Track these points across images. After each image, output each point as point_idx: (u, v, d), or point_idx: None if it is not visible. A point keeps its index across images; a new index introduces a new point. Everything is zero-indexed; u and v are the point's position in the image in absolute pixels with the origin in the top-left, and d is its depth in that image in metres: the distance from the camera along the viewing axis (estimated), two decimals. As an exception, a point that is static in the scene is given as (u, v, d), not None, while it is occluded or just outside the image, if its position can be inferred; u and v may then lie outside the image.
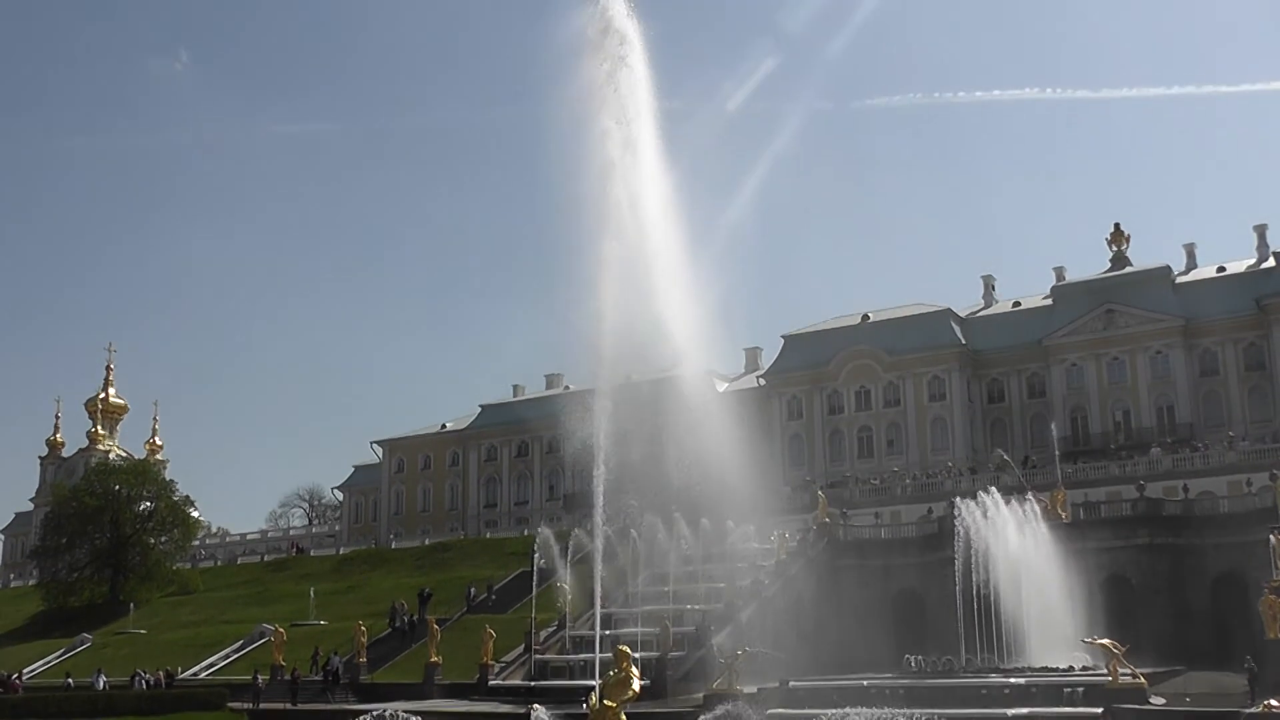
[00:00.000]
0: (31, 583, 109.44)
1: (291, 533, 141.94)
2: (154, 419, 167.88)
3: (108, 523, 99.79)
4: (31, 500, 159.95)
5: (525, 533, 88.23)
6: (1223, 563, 55.23)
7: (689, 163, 58.97)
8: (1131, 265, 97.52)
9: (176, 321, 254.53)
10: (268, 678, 58.16)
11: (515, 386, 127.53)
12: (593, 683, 38.44)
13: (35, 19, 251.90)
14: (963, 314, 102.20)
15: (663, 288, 57.21)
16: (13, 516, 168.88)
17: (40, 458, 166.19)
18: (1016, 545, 52.41)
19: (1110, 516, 60.17)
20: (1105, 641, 38.40)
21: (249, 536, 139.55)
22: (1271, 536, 47.72)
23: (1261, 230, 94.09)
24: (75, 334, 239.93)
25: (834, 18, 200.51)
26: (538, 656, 57.37)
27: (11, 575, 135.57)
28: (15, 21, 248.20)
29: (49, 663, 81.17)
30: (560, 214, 56.84)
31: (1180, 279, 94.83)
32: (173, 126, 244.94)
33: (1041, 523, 54.93)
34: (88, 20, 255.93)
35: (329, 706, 54.58)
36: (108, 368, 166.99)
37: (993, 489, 59.54)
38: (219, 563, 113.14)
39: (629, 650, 25.19)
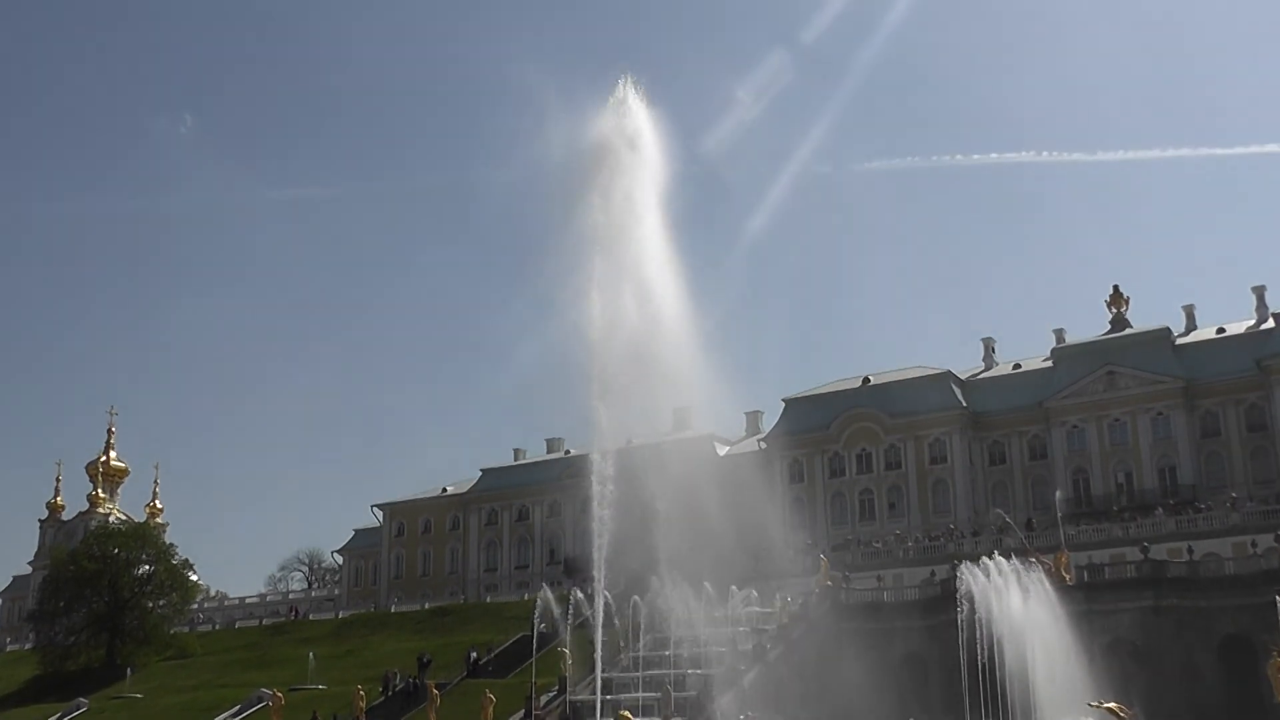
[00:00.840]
0: (28, 646, 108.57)
1: (291, 596, 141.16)
2: (154, 482, 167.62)
3: (106, 586, 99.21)
4: (30, 563, 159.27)
5: (525, 597, 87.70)
6: (1229, 625, 54.87)
7: (688, 227, 59.33)
8: (1131, 327, 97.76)
9: (178, 384, 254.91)
10: (266, 743, 57.60)
11: (516, 450, 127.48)
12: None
13: (46, 75, 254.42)
14: (963, 376, 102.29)
15: (662, 352, 57.21)
16: (10, 579, 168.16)
17: (40, 520, 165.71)
18: (1020, 608, 52.05)
19: (1115, 579, 59.86)
20: (1111, 705, 38.07)
21: (248, 600, 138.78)
22: (1278, 598, 47.43)
23: (1260, 291, 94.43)
24: (77, 397, 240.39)
25: (831, 80, 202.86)
26: (538, 722, 56.83)
27: (8, 639, 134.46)
28: (22, 77, 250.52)
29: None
30: (558, 279, 56.92)
31: (1180, 340, 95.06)
32: (175, 189, 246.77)
33: (1045, 585, 54.61)
34: (96, 79, 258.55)
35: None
36: (109, 431, 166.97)
37: (995, 552, 59.29)
38: (217, 626, 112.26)
39: (630, 715, 25.03)
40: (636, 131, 55.51)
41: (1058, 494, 79.79)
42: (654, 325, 56.26)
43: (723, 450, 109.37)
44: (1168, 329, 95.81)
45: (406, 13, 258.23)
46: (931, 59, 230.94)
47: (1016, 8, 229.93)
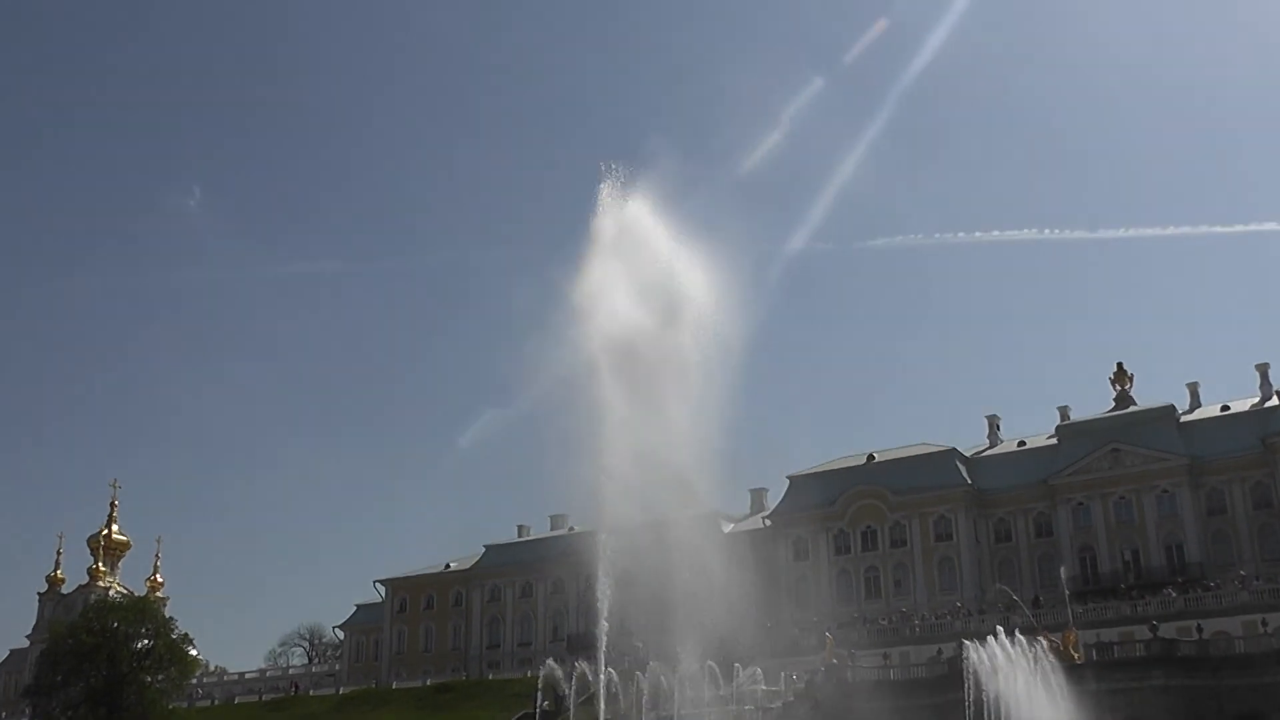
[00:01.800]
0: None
1: (291, 672, 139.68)
2: (156, 555, 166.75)
3: (104, 660, 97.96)
4: (28, 637, 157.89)
5: (529, 674, 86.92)
6: (1240, 704, 54.42)
7: (692, 306, 59.51)
8: (1135, 404, 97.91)
9: (181, 457, 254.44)
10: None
11: (520, 527, 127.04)
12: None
13: (53, 147, 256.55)
14: (968, 453, 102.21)
15: (666, 430, 57.29)
16: (8, 653, 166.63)
17: (39, 594, 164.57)
18: (1028, 687, 51.66)
19: (1124, 657, 59.43)
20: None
21: (248, 675, 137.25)
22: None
23: (1264, 369, 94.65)
24: (79, 469, 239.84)
25: (833, 158, 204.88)
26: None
27: (5, 713, 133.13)
28: (29, 148, 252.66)
29: (40, 806, 79.30)
30: (562, 356, 57.14)
31: (1185, 418, 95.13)
32: (182, 263, 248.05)
33: (1053, 664, 54.19)
34: (104, 152, 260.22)
35: None
36: (111, 504, 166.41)
37: (1002, 629, 58.87)
38: (216, 702, 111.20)
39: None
40: (632, 225, 56.00)
41: (1064, 571, 79.31)
42: (659, 404, 56.40)
43: (728, 527, 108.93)
44: (1172, 406, 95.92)
45: (419, 89, 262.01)
46: (938, 135, 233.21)
47: (1021, 84, 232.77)
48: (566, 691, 60.52)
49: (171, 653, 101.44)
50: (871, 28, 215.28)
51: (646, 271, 57.10)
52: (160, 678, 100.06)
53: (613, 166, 57.31)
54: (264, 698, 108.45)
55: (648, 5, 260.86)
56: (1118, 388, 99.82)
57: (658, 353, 56.62)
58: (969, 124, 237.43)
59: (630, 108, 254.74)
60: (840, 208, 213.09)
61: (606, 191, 56.66)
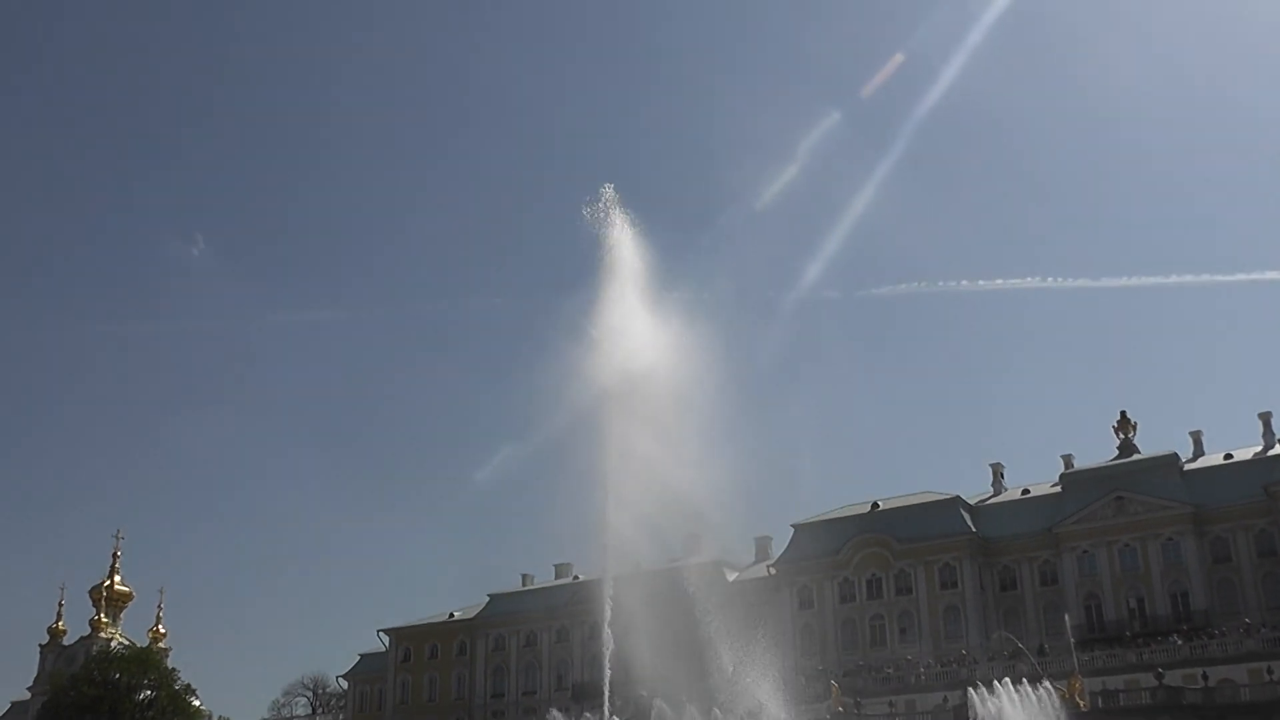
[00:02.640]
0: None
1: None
2: (159, 606, 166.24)
3: (106, 712, 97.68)
4: (29, 689, 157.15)
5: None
6: (1246, 753, 54.27)
7: (695, 352, 59.62)
8: (1139, 453, 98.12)
9: (184, 507, 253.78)
10: None
11: (524, 576, 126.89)
12: None
13: (55, 195, 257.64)
14: (972, 501, 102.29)
15: (671, 478, 57.33)
16: (9, 705, 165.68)
17: (40, 645, 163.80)
18: (1035, 734, 51.64)
19: (1130, 705, 59.53)
20: None
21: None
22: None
23: (1267, 418, 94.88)
24: (81, 520, 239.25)
25: (847, 193, 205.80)
26: None
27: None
28: (30, 195, 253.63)
29: None
30: (566, 404, 57.10)
31: (1188, 466, 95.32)
32: (186, 313, 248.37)
33: (1060, 711, 54.16)
34: (107, 203, 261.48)
35: None
36: (114, 555, 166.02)
37: (1006, 678, 58.84)
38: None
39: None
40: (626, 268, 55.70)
41: (1069, 620, 79.19)
42: (663, 452, 56.43)
43: (732, 576, 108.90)
44: (1176, 455, 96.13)
45: (424, 126, 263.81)
46: (951, 170, 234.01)
47: (1033, 119, 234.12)
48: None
49: (174, 704, 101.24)
50: (889, 62, 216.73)
51: (652, 323, 57.01)
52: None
53: (621, 198, 56.90)
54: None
55: (663, 39, 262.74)
56: (1121, 436, 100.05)
57: (666, 398, 56.63)
58: (981, 160, 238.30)
59: (646, 141, 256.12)
60: (851, 247, 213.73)
61: (617, 226, 56.28)
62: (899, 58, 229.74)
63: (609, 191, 55.32)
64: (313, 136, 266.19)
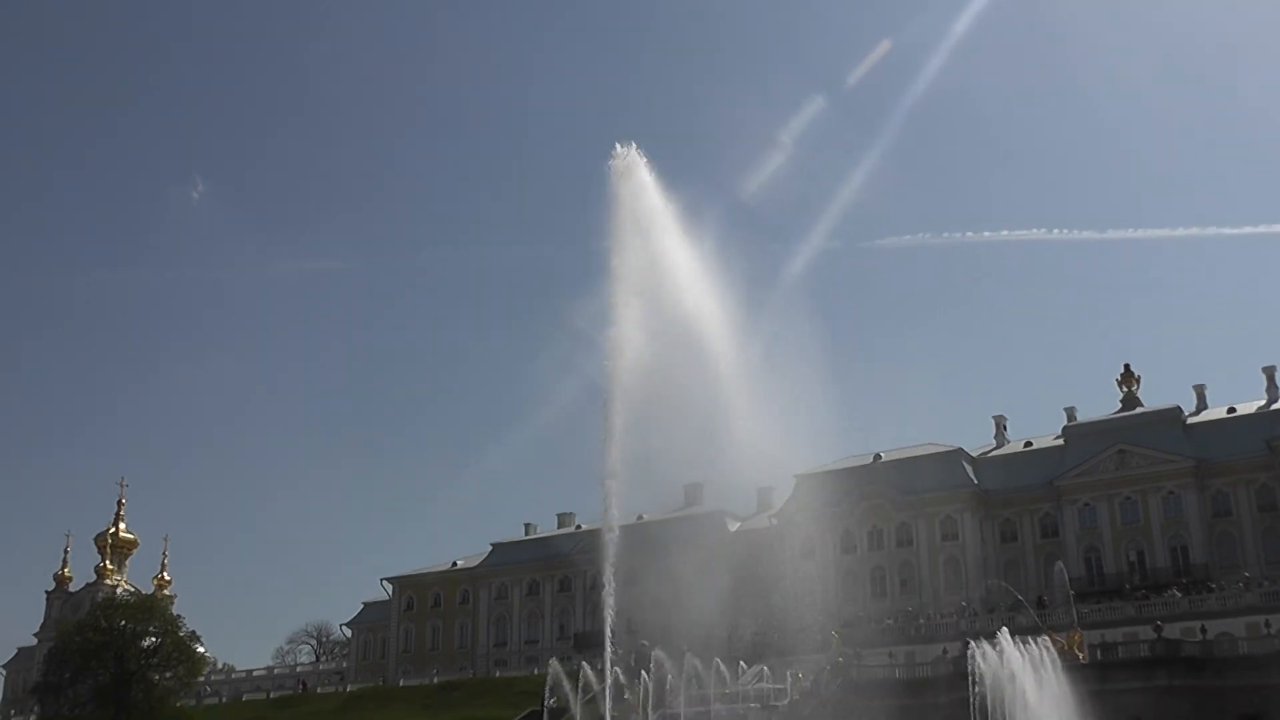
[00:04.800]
0: (33, 719, 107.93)
1: (298, 669, 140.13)
2: (163, 554, 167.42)
3: (112, 658, 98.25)
4: (35, 635, 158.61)
5: (535, 672, 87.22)
6: (1244, 705, 54.58)
7: (699, 304, 59.40)
8: (1142, 406, 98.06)
9: (189, 456, 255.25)
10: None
11: (527, 525, 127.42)
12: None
13: (51, 138, 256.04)
14: (974, 454, 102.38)
15: (673, 428, 57.28)
16: (15, 651, 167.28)
17: (47, 592, 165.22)
18: (1033, 686, 51.84)
19: (1128, 658, 59.60)
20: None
21: (255, 673, 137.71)
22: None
23: (1270, 372, 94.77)
24: (87, 468, 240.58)
25: (840, 173, 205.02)
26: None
27: (13, 711, 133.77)
28: (27, 140, 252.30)
29: (48, 802, 79.71)
30: (571, 353, 57.14)
31: (1191, 420, 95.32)
32: (186, 259, 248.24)
33: (1058, 664, 54.36)
34: (103, 142, 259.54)
35: None
36: (119, 502, 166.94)
37: (1006, 629, 58.98)
38: (224, 700, 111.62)
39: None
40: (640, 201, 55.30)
41: (1065, 572, 79.37)
42: (666, 402, 56.33)
43: (734, 526, 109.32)
44: (1179, 408, 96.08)
45: (429, 84, 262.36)
46: (948, 136, 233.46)
47: (1033, 85, 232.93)
48: (572, 690, 60.72)
49: (179, 650, 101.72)
50: (876, 49, 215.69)
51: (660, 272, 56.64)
52: (168, 675, 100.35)
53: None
54: (271, 695, 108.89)
55: (649, 28, 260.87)
56: (1124, 389, 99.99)
57: (672, 351, 56.37)
58: (974, 139, 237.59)
59: (632, 128, 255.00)
60: (851, 210, 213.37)
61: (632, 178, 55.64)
62: (886, 45, 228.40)
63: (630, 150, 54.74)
64: (318, 78, 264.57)
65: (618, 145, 54.55)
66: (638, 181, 54.76)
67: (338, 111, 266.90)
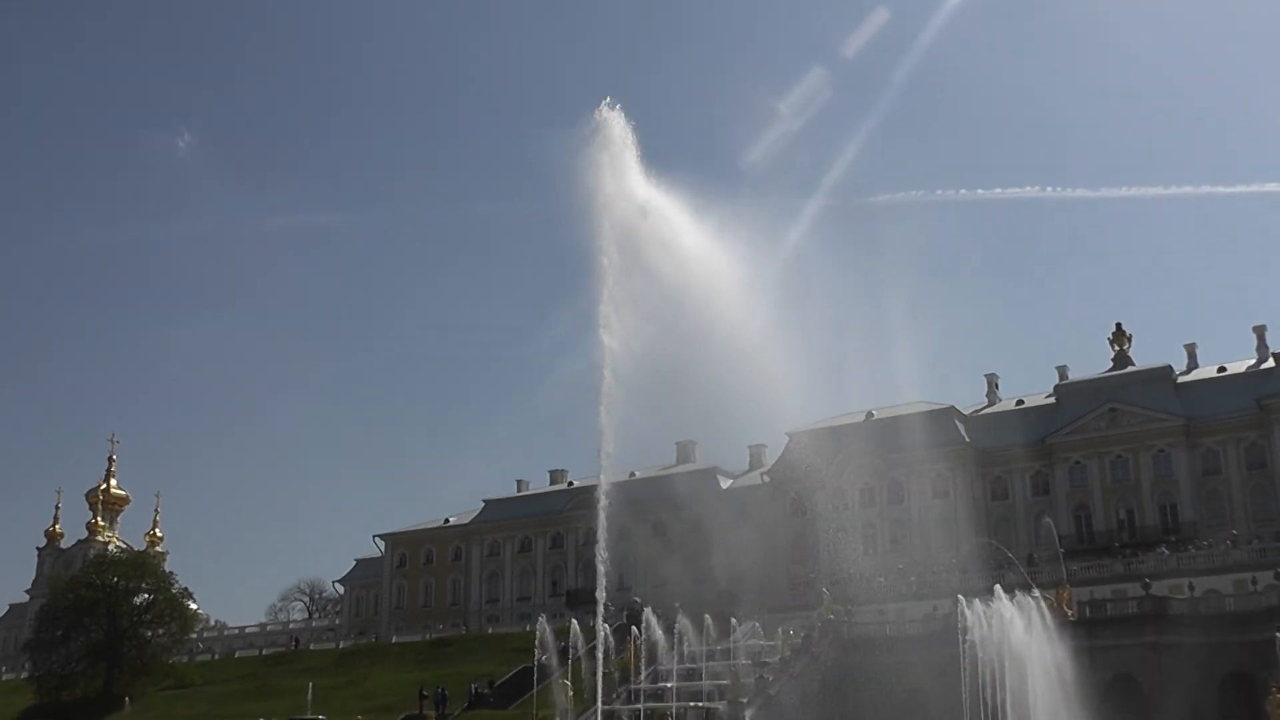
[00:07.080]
0: (24, 676, 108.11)
1: (291, 626, 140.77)
2: (155, 510, 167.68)
3: (104, 615, 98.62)
4: (27, 591, 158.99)
5: (527, 628, 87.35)
6: (1230, 662, 54.85)
7: (692, 259, 59.14)
8: (1133, 365, 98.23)
9: (180, 412, 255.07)
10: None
11: (519, 481, 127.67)
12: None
13: (35, 87, 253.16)
14: (966, 412, 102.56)
15: (665, 385, 57.25)
16: (7, 608, 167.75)
17: (38, 548, 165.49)
18: (1023, 643, 52.03)
19: (1116, 615, 59.84)
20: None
21: (248, 630, 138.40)
22: (1278, 636, 47.50)
23: (1261, 331, 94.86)
24: (77, 424, 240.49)
25: (841, 118, 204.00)
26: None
27: (4, 668, 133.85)
28: (10, 90, 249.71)
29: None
30: (562, 309, 56.93)
31: (1182, 379, 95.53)
32: (173, 212, 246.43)
33: (1048, 620, 54.58)
34: (88, 90, 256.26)
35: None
36: (110, 459, 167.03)
37: (997, 586, 59.19)
38: (216, 656, 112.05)
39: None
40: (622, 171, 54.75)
41: (1055, 529, 79.66)
42: (660, 359, 56.23)
43: (726, 483, 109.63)
44: (1170, 367, 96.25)
45: (421, 26, 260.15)
46: (946, 100, 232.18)
47: (1028, 45, 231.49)
48: (563, 646, 60.94)
49: (171, 607, 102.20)
50: (871, 17, 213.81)
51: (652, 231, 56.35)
52: (160, 632, 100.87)
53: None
54: (264, 652, 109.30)
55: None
56: (1116, 348, 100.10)
57: (665, 307, 56.18)
58: (970, 101, 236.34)
59: (631, 99, 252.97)
60: (847, 172, 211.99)
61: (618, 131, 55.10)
62: (882, 14, 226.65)
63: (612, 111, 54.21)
64: (308, 28, 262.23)
65: (603, 104, 54.23)
66: (618, 138, 54.38)
67: (329, 62, 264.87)
